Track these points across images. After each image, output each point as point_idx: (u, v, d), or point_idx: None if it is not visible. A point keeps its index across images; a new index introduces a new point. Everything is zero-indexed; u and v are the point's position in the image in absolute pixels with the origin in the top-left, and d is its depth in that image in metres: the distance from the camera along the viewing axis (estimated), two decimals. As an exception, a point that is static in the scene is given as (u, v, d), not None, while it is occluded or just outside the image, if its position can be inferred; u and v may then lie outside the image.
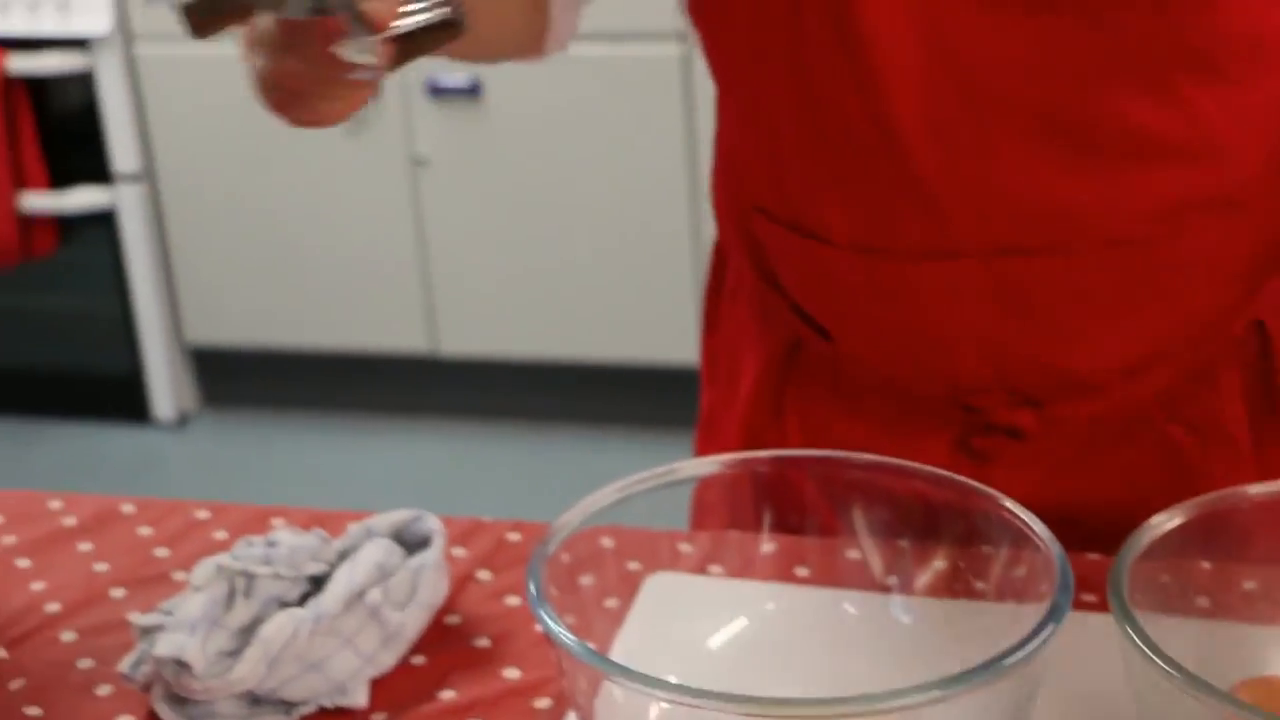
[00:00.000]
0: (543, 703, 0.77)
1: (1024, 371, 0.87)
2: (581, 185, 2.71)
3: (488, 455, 2.83)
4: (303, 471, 2.81)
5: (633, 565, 0.82)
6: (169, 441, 2.93)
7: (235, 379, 3.01)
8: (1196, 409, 0.88)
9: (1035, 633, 0.62)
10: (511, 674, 0.80)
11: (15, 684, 0.80)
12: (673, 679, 0.62)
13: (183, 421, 2.98)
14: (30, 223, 2.82)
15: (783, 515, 0.79)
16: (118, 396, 2.98)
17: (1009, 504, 0.70)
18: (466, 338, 2.85)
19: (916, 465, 0.74)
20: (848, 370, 0.93)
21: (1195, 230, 0.83)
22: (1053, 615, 0.63)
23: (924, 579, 0.75)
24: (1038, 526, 0.69)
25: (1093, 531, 0.83)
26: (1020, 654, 0.61)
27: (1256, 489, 0.71)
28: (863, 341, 0.91)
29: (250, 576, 0.80)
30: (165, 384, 2.95)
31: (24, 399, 3.03)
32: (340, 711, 0.77)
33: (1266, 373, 0.89)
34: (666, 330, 2.74)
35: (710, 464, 0.78)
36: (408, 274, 2.83)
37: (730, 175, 0.95)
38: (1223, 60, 0.78)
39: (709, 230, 2.99)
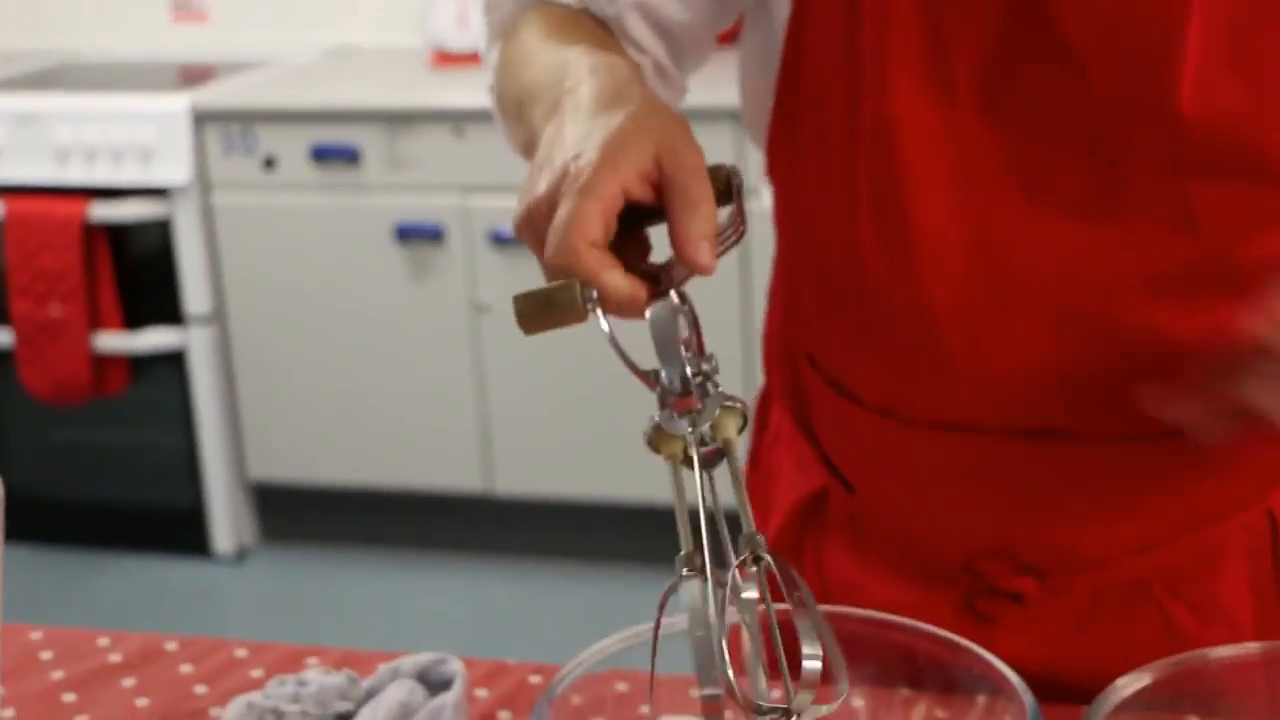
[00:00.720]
0: (551, 841, 0.80)
1: (1029, 545, 0.90)
2: (638, 329, 2.76)
3: (540, 593, 2.86)
4: (357, 607, 2.86)
5: (644, 709, 0.85)
6: (227, 575, 2.99)
7: (294, 515, 3.07)
8: (1199, 589, 0.90)
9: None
10: (524, 813, 0.83)
11: (57, 812, 0.85)
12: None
13: (241, 555, 3.04)
14: (103, 362, 2.92)
15: (791, 659, 0.83)
16: (180, 530, 3.04)
17: (989, 657, 0.74)
18: (521, 478, 2.90)
19: (908, 621, 0.77)
20: (867, 523, 0.97)
21: None
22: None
23: (913, 728, 0.79)
24: (1013, 678, 0.72)
25: (1091, 697, 0.85)
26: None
27: (1223, 651, 0.74)
28: (881, 499, 0.95)
29: (280, 714, 0.85)
30: (226, 518, 3.02)
31: (89, 530, 3.10)
32: (358, 845, 0.81)
33: (1275, 560, 0.91)
34: (717, 474, 2.77)
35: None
36: (466, 416, 2.89)
37: (785, 324, 1.00)
38: (1251, 282, 0.81)
39: (760, 378, 3.03)
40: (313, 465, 3.00)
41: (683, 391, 0.71)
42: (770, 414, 1.06)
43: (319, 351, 2.93)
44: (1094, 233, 0.82)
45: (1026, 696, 0.71)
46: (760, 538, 0.68)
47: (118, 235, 2.91)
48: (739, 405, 0.72)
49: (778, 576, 0.69)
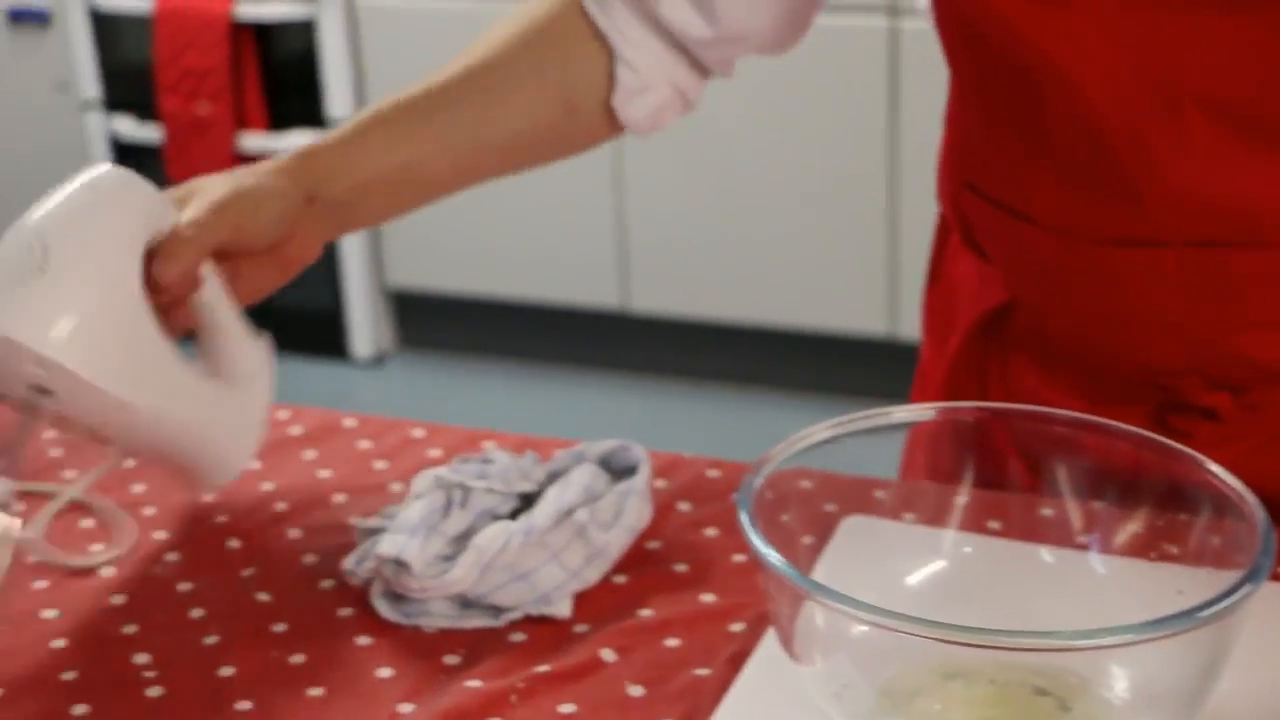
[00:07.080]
0: (737, 626, 0.80)
1: (1218, 359, 0.87)
2: (780, 152, 2.72)
3: (669, 411, 2.87)
4: (489, 415, 2.89)
5: (829, 507, 0.84)
6: (365, 379, 3.04)
7: (432, 322, 3.10)
8: None
9: (1234, 589, 0.63)
10: (708, 598, 0.83)
11: (246, 571, 0.86)
12: (872, 606, 0.64)
13: (379, 360, 3.08)
14: (247, 162, 2.93)
15: (981, 468, 0.81)
16: (319, 333, 3.09)
17: (1213, 468, 0.71)
18: (657, 296, 2.89)
19: (1119, 425, 0.75)
20: (1051, 340, 0.94)
21: None
22: (1252, 576, 0.64)
23: (1120, 540, 0.76)
24: (1243, 490, 0.69)
25: None
26: (1215, 608, 0.62)
27: None
28: (1062, 316, 0.92)
29: (466, 489, 0.85)
30: (365, 324, 3.05)
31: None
32: (544, 620, 0.81)
33: None
34: (855, 301, 2.75)
35: (915, 411, 0.80)
36: (604, 230, 2.88)
37: (951, 150, 0.98)
38: None
39: (905, 204, 2.99)
40: (450, 274, 3.01)
41: None
42: (950, 233, 1.04)
43: (460, 160, 2.91)
44: (1247, 21, 0.77)
45: (1259, 510, 0.68)
46: None
47: (263, 36, 2.90)
48: None
49: None
